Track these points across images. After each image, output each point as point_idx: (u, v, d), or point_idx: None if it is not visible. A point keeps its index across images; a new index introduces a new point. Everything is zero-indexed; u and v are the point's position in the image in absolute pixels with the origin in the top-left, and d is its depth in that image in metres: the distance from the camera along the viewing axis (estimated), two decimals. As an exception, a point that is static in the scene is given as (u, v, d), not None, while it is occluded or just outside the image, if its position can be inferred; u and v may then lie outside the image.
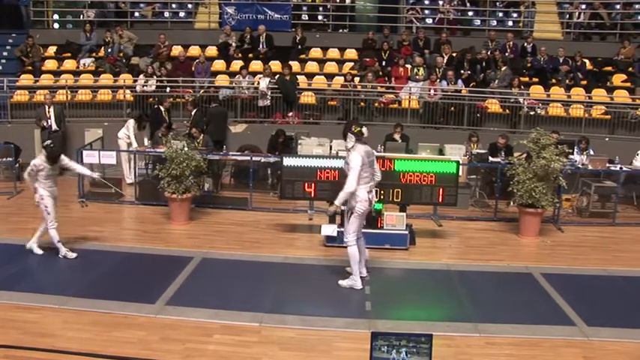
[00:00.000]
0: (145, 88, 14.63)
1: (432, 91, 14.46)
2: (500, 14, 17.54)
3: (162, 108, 13.26)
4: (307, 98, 14.73)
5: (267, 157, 11.96)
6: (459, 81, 14.79)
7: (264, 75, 14.57)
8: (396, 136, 12.73)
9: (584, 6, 17.19)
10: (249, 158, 11.79)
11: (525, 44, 15.98)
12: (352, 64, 16.02)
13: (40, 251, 8.50)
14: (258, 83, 14.47)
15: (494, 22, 17.29)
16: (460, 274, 8.32)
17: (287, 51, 16.10)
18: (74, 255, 8.42)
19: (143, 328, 6.53)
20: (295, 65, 15.54)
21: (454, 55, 15.64)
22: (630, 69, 15.57)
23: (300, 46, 16.29)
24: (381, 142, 12.24)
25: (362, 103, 14.51)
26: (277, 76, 14.46)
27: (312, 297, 7.52)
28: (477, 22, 17.39)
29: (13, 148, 12.17)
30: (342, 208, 8.88)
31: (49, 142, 8.68)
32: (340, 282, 7.71)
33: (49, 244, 8.49)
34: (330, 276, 8.02)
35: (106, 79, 15.15)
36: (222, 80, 15.23)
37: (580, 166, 11.66)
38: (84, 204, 11.10)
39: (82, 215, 10.62)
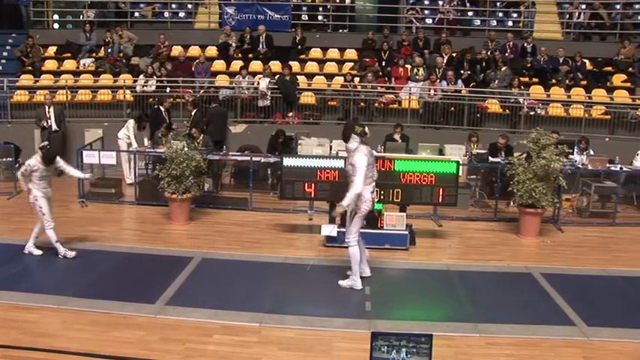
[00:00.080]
0: (145, 88, 14.63)
1: (432, 91, 14.46)
2: (500, 14, 17.54)
3: (162, 108, 13.26)
4: (307, 98, 14.73)
5: (267, 157, 11.96)
6: (459, 81, 14.79)
7: (264, 75, 14.57)
8: (396, 136, 12.73)
9: (584, 6, 17.19)
10: (249, 158, 11.79)
11: (525, 44, 15.98)
12: (352, 64, 16.01)
13: (39, 252, 8.50)
14: (258, 83, 14.46)
15: (494, 22, 17.28)
16: (460, 275, 8.32)
17: (287, 51, 16.10)
18: (73, 253, 8.42)
19: (143, 328, 6.53)
20: (295, 65, 15.54)
21: (454, 55, 15.64)
22: (630, 69, 15.57)
23: (300, 47, 16.29)
24: (381, 143, 12.24)
25: (362, 104, 14.51)
26: (277, 76, 14.46)
27: (312, 297, 7.52)
28: (477, 22, 17.39)
29: (13, 148, 12.17)
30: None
31: (45, 143, 8.68)
32: (340, 282, 7.71)
33: (48, 243, 8.48)
34: (330, 276, 8.01)
35: (106, 79, 15.15)
36: (222, 80, 15.23)
37: (580, 166, 11.66)
38: (84, 204, 11.13)
39: (81, 215, 10.65)
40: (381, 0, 17.62)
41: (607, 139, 13.69)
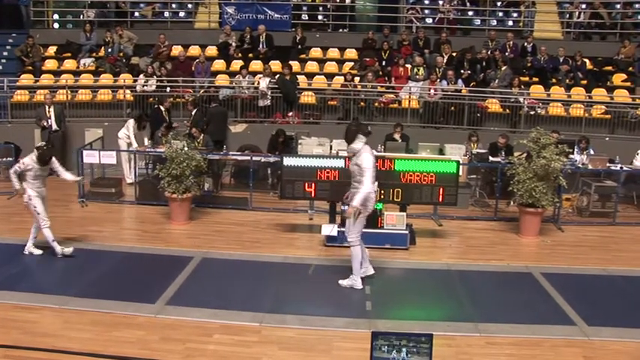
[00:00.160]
0: (145, 88, 14.63)
1: (432, 91, 14.46)
2: (501, 14, 17.54)
3: (162, 108, 13.26)
4: (307, 98, 14.73)
5: (268, 156, 11.96)
6: (459, 81, 14.79)
7: (264, 75, 14.57)
8: (396, 136, 12.73)
9: (584, 5, 17.19)
10: (249, 158, 11.79)
11: (525, 44, 15.97)
12: (352, 63, 16.01)
13: (39, 251, 8.50)
14: (258, 83, 14.46)
15: (494, 22, 17.29)
16: (460, 274, 8.32)
17: (287, 51, 16.10)
18: (71, 250, 8.41)
19: (143, 328, 6.53)
20: (295, 65, 15.54)
21: (454, 54, 15.64)
22: (630, 68, 15.57)
23: (300, 46, 16.28)
24: (381, 142, 12.24)
25: (362, 103, 14.51)
26: (277, 75, 14.46)
27: (312, 297, 7.51)
28: (477, 21, 17.39)
29: (13, 148, 12.17)
30: (344, 207, 8.91)
31: (42, 144, 8.64)
32: (340, 282, 7.71)
33: (46, 243, 8.48)
34: (330, 276, 8.01)
35: (106, 79, 15.15)
36: (222, 80, 15.23)
37: (580, 165, 11.65)
38: (84, 204, 11.13)
39: (82, 215, 10.65)
40: (381, 0, 17.61)
41: (607, 139, 13.69)
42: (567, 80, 15.14)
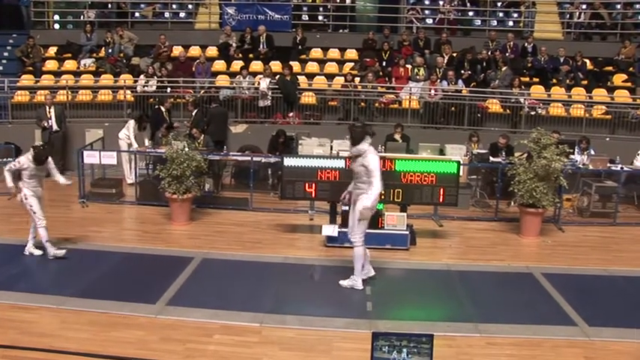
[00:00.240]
0: (145, 88, 14.63)
1: (433, 91, 14.45)
2: (501, 14, 17.54)
3: (162, 108, 13.25)
4: (308, 98, 14.73)
5: (268, 157, 11.96)
6: (460, 81, 14.79)
7: (265, 75, 14.57)
8: (397, 136, 12.73)
9: (584, 6, 17.19)
10: (249, 158, 11.78)
11: (526, 44, 15.97)
12: (353, 64, 16.01)
13: (39, 252, 8.48)
14: (259, 83, 14.46)
15: (495, 22, 17.28)
16: (461, 274, 8.32)
17: (287, 51, 16.10)
18: (63, 252, 8.35)
19: (143, 328, 6.52)
20: (296, 65, 15.54)
21: (454, 55, 15.64)
22: (631, 69, 15.57)
23: (300, 47, 16.28)
24: (381, 143, 12.24)
25: (362, 104, 14.51)
26: (278, 76, 14.46)
27: (313, 297, 7.51)
28: (478, 22, 17.38)
29: (14, 148, 12.17)
30: (346, 208, 8.91)
31: (39, 143, 8.59)
32: (341, 282, 7.70)
33: (41, 242, 8.49)
34: (330, 276, 8.01)
35: (107, 79, 15.16)
36: (222, 80, 15.23)
37: (581, 166, 11.64)
38: (84, 204, 11.12)
39: (82, 215, 10.65)
40: (382, 0, 17.61)
41: (608, 139, 13.69)
42: (568, 80, 15.14)
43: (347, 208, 8.88)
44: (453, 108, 14.26)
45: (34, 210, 8.22)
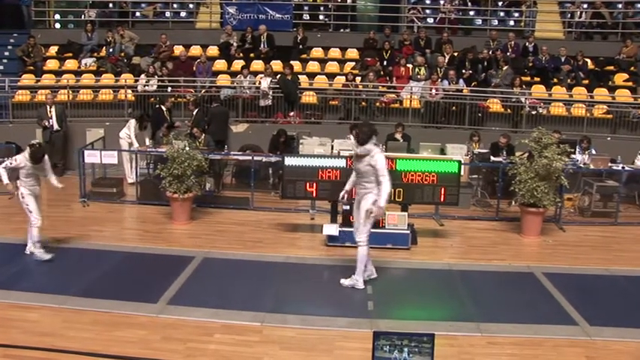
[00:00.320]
0: (146, 87, 14.63)
1: (434, 91, 14.45)
2: (502, 14, 17.52)
3: (163, 108, 13.26)
4: (308, 98, 14.73)
5: (269, 156, 11.96)
6: (461, 80, 14.79)
7: (266, 75, 14.56)
8: (398, 136, 12.72)
9: (585, 5, 17.18)
10: (250, 158, 11.78)
11: (527, 44, 15.96)
12: (353, 63, 16.01)
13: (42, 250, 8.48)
14: (260, 83, 14.46)
15: (496, 22, 17.27)
16: (462, 274, 8.31)
17: (288, 51, 16.10)
18: (50, 256, 8.24)
19: (144, 328, 6.52)
20: (296, 65, 15.53)
21: (455, 54, 15.63)
22: (632, 68, 15.56)
23: (301, 46, 16.27)
24: (382, 142, 12.22)
25: (363, 103, 14.50)
26: (278, 75, 14.46)
27: (314, 296, 7.51)
28: (479, 21, 17.38)
29: (15, 148, 12.16)
30: (347, 207, 8.91)
31: (35, 141, 8.45)
32: (342, 281, 7.70)
33: (46, 242, 8.50)
34: (331, 276, 8.01)
35: (108, 78, 15.15)
36: (223, 80, 15.22)
37: (582, 165, 11.64)
38: (85, 204, 11.13)
39: (83, 215, 10.65)
40: (383, 0, 17.61)
41: (609, 139, 13.68)
42: (569, 80, 15.13)
43: (347, 207, 8.92)
44: (453, 107, 14.24)
45: (30, 209, 8.18)
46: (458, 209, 10.55)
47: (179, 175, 9.95)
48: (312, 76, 15.61)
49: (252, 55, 16.04)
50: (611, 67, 15.80)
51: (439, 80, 14.63)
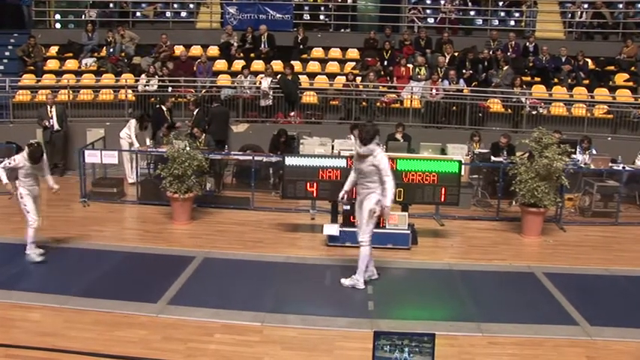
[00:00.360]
0: (146, 87, 14.63)
1: (434, 91, 14.44)
2: (502, 14, 17.52)
3: (164, 108, 13.25)
4: (309, 98, 14.73)
5: (269, 156, 11.96)
6: (461, 80, 14.78)
7: (266, 75, 14.56)
8: (398, 136, 12.72)
9: (586, 5, 17.18)
10: (251, 158, 11.78)
11: (527, 44, 15.95)
12: (354, 63, 16.00)
13: (40, 251, 8.44)
14: (260, 83, 14.46)
15: (496, 22, 17.27)
16: (462, 274, 8.31)
17: (289, 51, 16.09)
18: (41, 258, 8.20)
19: (145, 328, 6.53)
20: (297, 65, 15.52)
21: (456, 54, 15.62)
22: (633, 68, 15.55)
23: (301, 46, 16.27)
24: (382, 142, 12.20)
25: (364, 103, 14.50)
26: (279, 75, 14.45)
27: (314, 296, 7.50)
28: (479, 21, 17.37)
29: (15, 148, 12.16)
30: (347, 207, 8.91)
31: (34, 141, 8.36)
32: (342, 280, 7.70)
33: (46, 242, 8.49)
34: (332, 276, 8.01)
35: (108, 78, 15.15)
36: (223, 80, 15.21)
37: (582, 165, 11.64)
38: (86, 204, 11.12)
39: (83, 215, 10.65)
40: (383, 0, 17.61)
41: (609, 139, 13.67)
42: (569, 80, 15.12)
43: (348, 207, 8.92)
44: (454, 107, 14.24)
45: (28, 209, 8.15)
46: (458, 209, 10.54)
47: (179, 175, 9.95)
48: (312, 76, 15.61)
49: (252, 55, 16.04)
50: (612, 67, 15.79)
51: (439, 80, 14.62)
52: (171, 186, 10.02)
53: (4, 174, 8.09)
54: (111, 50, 15.67)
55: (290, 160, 9.49)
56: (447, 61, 15.26)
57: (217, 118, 13.26)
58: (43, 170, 8.40)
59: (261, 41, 16.12)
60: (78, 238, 9.25)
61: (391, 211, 9.01)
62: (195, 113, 13.08)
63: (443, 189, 9.33)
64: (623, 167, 11.58)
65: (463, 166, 10.02)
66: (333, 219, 9.36)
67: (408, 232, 9.15)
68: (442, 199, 9.46)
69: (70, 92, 14.46)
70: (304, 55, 16.28)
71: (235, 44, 16.20)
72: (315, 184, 9.35)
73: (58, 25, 17.73)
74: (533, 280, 8.16)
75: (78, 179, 11.37)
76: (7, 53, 16.25)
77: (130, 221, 10.84)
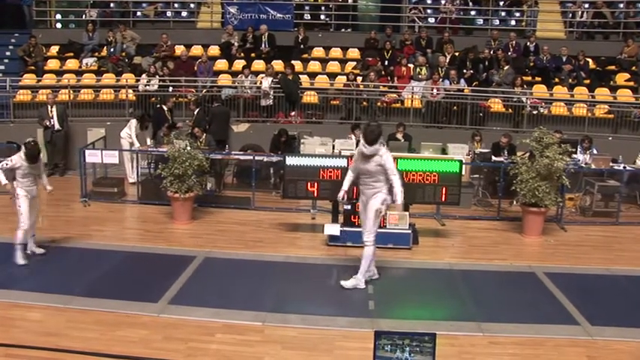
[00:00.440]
0: (147, 87, 14.63)
1: (435, 91, 14.44)
2: (503, 13, 17.50)
3: (164, 107, 13.25)
4: (310, 98, 14.73)
5: (270, 156, 11.96)
6: (462, 80, 14.78)
7: (267, 74, 14.56)
8: (399, 136, 12.71)
9: (587, 5, 17.15)
10: (251, 158, 11.78)
11: (528, 43, 15.94)
12: (355, 63, 16.00)
13: (41, 250, 8.49)
14: (261, 83, 14.46)
15: (497, 22, 17.25)
16: (463, 274, 8.31)
17: (289, 50, 16.09)
18: (23, 262, 8.08)
19: (146, 327, 6.53)
20: (298, 65, 15.52)
21: (457, 54, 15.62)
22: (633, 68, 15.53)
23: (302, 46, 16.27)
24: (383, 142, 12.21)
25: (364, 103, 14.50)
26: (280, 75, 14.44)
27: (315, 296, 7.51)
28: (480, 21, 17.36)
29: (16, 147, 12.14)
30: (348, 207, 8.91)
31: (30, 139, 8.25)
32: (343, 283, 7.61)
33: (46, 242, 8.49)
34: (333, 275, 8.01)
35: (109, 78, 15.14)
36: (224, 80, 15.21)
37: (583, 165, 11.64)
38: (86, 203, 11.13)
39: (84, 214, 10.65)
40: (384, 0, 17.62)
41: (610, 138, 13.67)
42: (570, 80, 15.10)
43: (348, 207, 8.92)
44: (455, 107, 14.24)
45: (21, 211, 8.04)
46: (459, 209, 10.55)
47: (180, 175, 9.95)
48: (313, 75, 15.61)
49: (253, 54, 16.03)
50: (613, 67, 15.77)
51: (440, 80, 14.62)
52: (172, 186, 10.03)
53: (2, 175, 8.02)
54: (111, 50, 15.68)
55: (291, 160, 9.49)
56: (447, 60, 15.26)
57: (218, 118, 13.26)
58: (39, 169, 8.33)
59: (261, 41, 16.12)
60: (78, 237, 9.25)
61: (391, 211, 9.11)
62: (195, 113, 13.08)
63: (444, 189, 9.33)
64: (624, 167, 11.58)
65: (464, 166, 10.01)
66: (333, 219, 9.35)
67: (409, 231, 9.15)
68: (443, 199, 9.46)
69: (71, 92, 14.45)
70: (305, 55, 16.27)
71: (236, 44, 16.20)
72: (315, 183, 9.35)
73: (58, 25, 17.73)
74: (534, 280, 8.16)
75: (78, 179, 11.36)
76: (7, 53, 16.25)
77: (130, 221, 10.84)
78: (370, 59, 15.61)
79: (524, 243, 9.86)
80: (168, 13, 17.56)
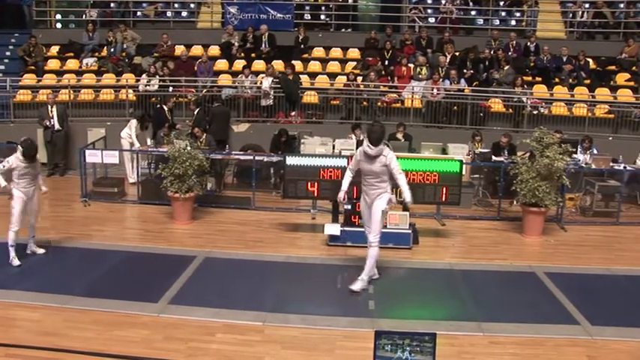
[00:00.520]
0: (147, 87, 14.64)
1: (435, 91, 14.45)
2: (503, 13, 17.50)
3: (165, 107, 13.25)
4: (310, 98, 14.73)
5: (270, 156, 11.96)
6: (462, 80, 14.78)
7: (267, 74, 14.56)
8: (399, 136, 12.71)
9: (587, 5, 17.15)
10: (251, 158, 11.78)
11: (528, 43, 15.94)
12: (355, 63, 16.00)
13: (41, 250, 8.50)
14: (261, 83, 14.46)
15: (497, 22, 17.25)
16: (463, 274, 8.31)
17: (289, 50, 16.10)
18: (16, 263, 8.01)
19: (146, 327, 6.53)
20: (298, 65, 15.52)
21: (457, 54, 15.62)
22: (634, 68, 15.52)
23: (302, 46, 16.27)
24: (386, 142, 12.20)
25: (365, 103, 14.50)
26: (280, 75, 14.44)
27: (315, 296, 7.51)
28: (480, 21, 17.36)
29: (17, 147, 12.15)
30: (348, 207, 8.91)
31: (25, 137, 8.18)
32: (352, 287, 7.46)
33: (46, 242, 8.49)
34: (333, 275, 8.01)
35: (109, 78, 15.15)
36: (224, 80, 15.21)
37: (583, 165, 11.63)
38: (86, 203, 11.13)
39: (84, 214, 10.65)
40: (384, -1, 17.64)
41: (610, 138, 13.67)
42: (570, 80, 15.10)
43: (349, 207, 8.92)
44: (455, 107, 14.24)
45: (14, 212, 7.96)
46: (459, 209, 10.55)
47: (180, 175, 9.95)
48: (313, 75, 15.61)
49: (253, 54, 16.04)
50: (613, 67, 15.77)
51: (440, 80, 14.63)
52: (172, 186, 10.03)
53: (1, 178, 7.98)
54: (112, 50, 15.69)
55: (291, 160, 9.49)
56: (447, 60, 15.26)
57: (218, 118, 13.26)
58: (36, 169, 8.27)
59: (262, 41, 16.13)
60: (79, 237, 9.25)
61: (391, 211, 9.11)
62: (195, 113, 13.08)
63: (444, 189, 9.33)
64: (624, 167, 11.58)
65: (464, 166, 10.02)
66: (334, 219, 9.35)
67: (409, 231, 9.15)
68: (443, 199, 9.46)
69: (71, 92, 14.46)
70: (305, 55, 16.27)
71: (236, 44, 16.20)
72: (316, 183, 9.36)
73: (58, 25, 17.74)
74: (534, 280, 8.16)
75: (79, 179, 11.36)
76: (7, 53, 16.26)
77: (130, 221, 10.84)
78: (370, 59, 15.61)
79: (525, 243, 9.86)
80: (169, 13, 17.57)
